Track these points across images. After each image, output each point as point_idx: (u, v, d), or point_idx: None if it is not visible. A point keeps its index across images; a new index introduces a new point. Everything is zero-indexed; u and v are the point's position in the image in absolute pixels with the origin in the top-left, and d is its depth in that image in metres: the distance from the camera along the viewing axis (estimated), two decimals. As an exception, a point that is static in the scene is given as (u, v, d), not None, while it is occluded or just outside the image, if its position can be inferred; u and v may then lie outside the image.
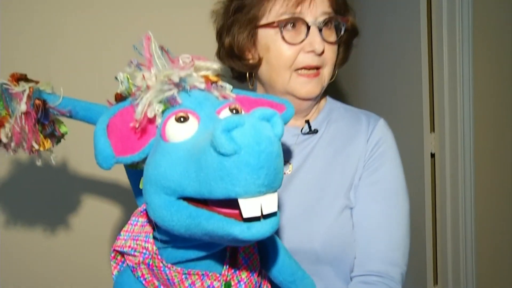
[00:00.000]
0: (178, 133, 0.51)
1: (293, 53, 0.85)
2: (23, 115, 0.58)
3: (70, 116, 0.63)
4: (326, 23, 0.85)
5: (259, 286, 0.65)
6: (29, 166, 1.26)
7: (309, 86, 0.87)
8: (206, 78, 0.57)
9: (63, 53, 1.33)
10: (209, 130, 0.49)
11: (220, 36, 0.93)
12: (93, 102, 0.65)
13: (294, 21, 0.84)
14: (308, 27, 0.84)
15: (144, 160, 0.55)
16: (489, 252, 2.04)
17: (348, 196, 0.89)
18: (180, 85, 0.54)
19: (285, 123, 0.67)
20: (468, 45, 1.85)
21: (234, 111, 0.55)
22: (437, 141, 2.01)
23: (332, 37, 0.88)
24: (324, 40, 0.85)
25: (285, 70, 0.86)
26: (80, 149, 1.22)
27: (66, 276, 1.36)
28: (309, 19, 0.84)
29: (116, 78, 0.58)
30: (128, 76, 0.56)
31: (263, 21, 0.85)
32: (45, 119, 0.60)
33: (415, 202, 2.09)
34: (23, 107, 0.58)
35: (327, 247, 0.84)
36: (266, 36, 0.86)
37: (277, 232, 0.80)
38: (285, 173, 0.90)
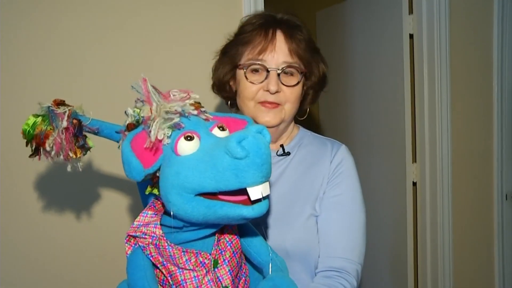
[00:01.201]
0: (188, 147, 0.70)
1: (254, 90, 1.03)
2: (64, 130, 0.77)
3: (97, 133, 0.82)
4: (284, 70, 1.03)
5: (240, 265, 0.82)
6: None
7: (268, 116, 1.04)
8: (196, 105, 0.76)
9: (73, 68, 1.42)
10: (209, 143, 0.70)
11: (213, 72, 1.15)
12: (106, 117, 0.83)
13: (256, 66, 1.03)
14: (268, 72, 1.02)
15: (151, 174, 0.73)
16: (467, 275, 2.15)
17: (314, 206, 1.05)
18: (181, 113, 0.73)
19: None
20: (446, 85, 2.03)
21: (221, 128, 0.75)
22: (418, 170, 2.16)
23: (292, 81, 1.04)
24: (282, 83, 1.03)
25: (249, 101, 1.05)
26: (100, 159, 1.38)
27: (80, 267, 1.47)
28: (269, 65, 1.02)
29: (125, 112, 0.77)
30: (138, 110, 0.74)
31: (240, 62, 1.07)
32: (79, 133, 0.79)
33: (398, 226, 2.23)
34: (64, 123, 0.77)
35: (295, 247, 1.00)
36: (239, 74, 1.07)
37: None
38: None
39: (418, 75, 2.10)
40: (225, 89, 1.12)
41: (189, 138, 0.70)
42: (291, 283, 0.81)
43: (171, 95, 0.75)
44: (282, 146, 1.12)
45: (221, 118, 0.82)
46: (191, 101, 0.75)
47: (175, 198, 0.69)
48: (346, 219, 1.05)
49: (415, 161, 2.17)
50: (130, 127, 0.75)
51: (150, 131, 0.70)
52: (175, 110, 0.72)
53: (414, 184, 2.19)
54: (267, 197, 0.70)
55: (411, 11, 2.10)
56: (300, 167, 1.10)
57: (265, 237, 0.95)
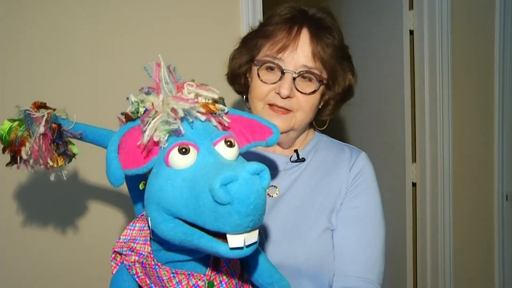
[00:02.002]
0: (180, 162, 0.60)
1: (265, 90, 0.94)
2: (41, 136, 0.70)
3: (81, 138, 0.75)
4: (302, 75, 0.92)
5: (240, 287, 0.74)
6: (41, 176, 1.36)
7: (276, 121, 0.91)
8: (207, 106, 0.65)
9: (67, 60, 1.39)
10: (206, 162, 0.60)
11: (229, 61, 1.05)
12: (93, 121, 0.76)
13: (271, 65, 0.93)
14: (283, 73, 0.92)
15: (146, 173, 0.65)
16: (467, 278, 2.12)
17: (329, 219, 0.95)
18: (183, 117, 0.62)
19: (271, 145, 0.76)
20: (447, 83, 1.98)
21: (228, 143, 0.63)
22: (418, 171, 2.11)
23: (308, 88, 0.93)
24: (296, 88, 0.92)
25: (258, 101, 0.95)
26: (87, 163, 1.32)
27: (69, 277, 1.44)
28: (287, 66, 0.92)
29: (127, 98, 0.66)
30: (139, 101, 0.64)
31: (256, 57, 0.97)
32: (59, 139, 0.71)
33: (398, 227, 2.18)
34: (41, 129, 0.69)
35: (308, 264, 0.90)
36: (253, 70, 0.97)
37: (263, 248, 0.89)
38: (272, 196, 0.98)
39: (419, 73, 2.05)
40: (239, 81, 1.02)
41: (183, 151, 0.60)
42: None
43: (186, 88, 0.64)
44: (296, 151, 1.03)
45: (244, 120, 0.72)
46: (206, 101, 0.65)
47: (154, 214, 0.61)
48: (365, 235, 0.96)
49: (415, 161, 2.13)
50: (128, 118, 0.66)
51: (145, 131, 0.61)
52: (178, 113, 0.62)
53: (414, 184, 2.14)
54: (254, 244, 0.60)
55: (411, 7, 2.04)
56: (316, 175, 1.00)
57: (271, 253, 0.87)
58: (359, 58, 2.33)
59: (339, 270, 0.94)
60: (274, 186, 0.99)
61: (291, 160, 1.02)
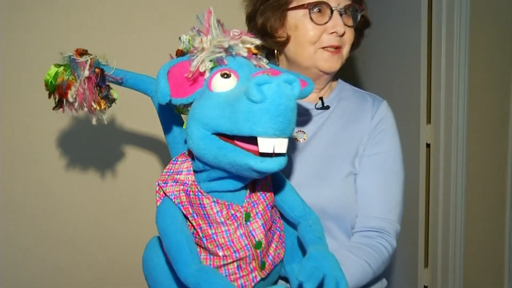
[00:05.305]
0: (221, 85, 0.67)
1: (317, 32, 0.97)
2: (86, 80, 0.74)
3: (121, 83, 0.79)
4: (346, 9, 0.98)
5: (273, 219, 0.80)
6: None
7: (331, 61, 0.99)
8: (249, 49, 0.72)
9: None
10: (245, 86, 0.64)
11: (251, 18, 1.06)
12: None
13: (320, 5, 0.96)
14: (332, 12, 0.96)
15: (188, 106, 0.71)
16: (478, 237, 2.16)
17: (353, 164, 1.01)
18: (228, 50, 0.69)
19: (305, 96, 0.84)
20: (465, 44, 1.97)
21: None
22: (432, 132, 2.13)
23: (350, 22, 1.00)
24: (344, 24, 0.97)
25: (310, 46, 0.98)
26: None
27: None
28: (332, 4, 0.96)
29: (179, 38, 0.73)
30: (190, 38, 0.71)
31: (294, 4, 0.99)
32: (102, 83, 0.75)
33: (410, 188, 2.22)
34: (86, 73, 0.74)
35: (332, 205, 0.96)
36: (296, 17, 0.98)
37: None
38: (300, 141, 1.03)
39: (436, 33, 2.04)
40: (276, 35, 1.02)
41: (225, 76, 0.67)
42: (334, 264, 0.71)
43: (231, 34, 0.71)
44: (321, 98, 1.07)
45: (279, 73, 0.76)
46: (248, 45, 0.71)
47: (193, 131, 0.67)
48: (387, 179, 1.01)
49: (429, 122, 2.14)
50: (179, 53, 0.74)
51: (193, 60, 0.68)
52: (222, 46, 0.68)
53: (428, 145, 2.16)
54: (284, 156, 0.65)
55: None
56: (340, 122, 1.05)
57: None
58: (378, 20, 2.34)
59: (362, 212, 1.00)
60: (302, 131, 1.04)
61: (316, 107, 1.06)
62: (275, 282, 0.86)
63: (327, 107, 1.06)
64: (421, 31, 2.05)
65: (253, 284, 0.75)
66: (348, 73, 2.60)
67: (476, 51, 2.02)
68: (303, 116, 1.06)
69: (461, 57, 1.98)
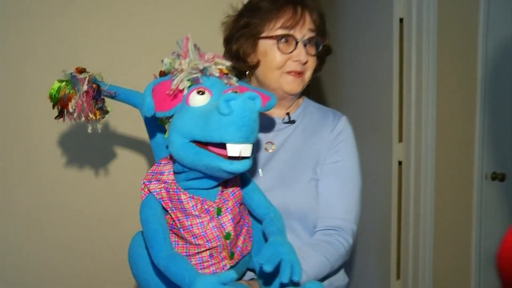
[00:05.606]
0: (197, 101, 0.81)
1: (283, 59, 1.11)
2: (84, 93, 0.87)
3: (114, 97, 0.92)
4: (309, 40, 1.11)
5: (241, 215, 0.94)
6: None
7: (294, 84, 1.12)
8: (221, 70, 0.87)
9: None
10: (216, 102, 0.78)
11: (228, 41, 1.20)
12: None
13: (287, 37, 1.10)
14: (297, 43, 1.10)
15: (170, 118, 0.85)
16: (446, 250, 2.26)
17: (315, 170, 1.14)
18: (203, 71, 0.84)
19: (269, 108, 0.99)
20: (434, 66, 2.12)
21: (235, 93, 0.83)
22: (404, 150, 2.25)
23: (313, 51, 1.14)
24: (307, 53, 1.11)
25: (276, 70, 1.12)
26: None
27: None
28: (298, 36, 1.10)
29: (162, 61, 0.88)
30: (171, 61, 0.86)
31: (265, 34, 1.13)
32: (98, 96, 0.88)
33: (383, 204, 2.32)
34: (85, 87, 0.87)
35: (296, 207, 1.09)
36: (266, 45, 1.12)
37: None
38: (269, 151, 1.16)
39: (407, 56, 2.17)
40: (247, 60, 1.15)
41: (201, 93, 0.81)
42: (290, 250, 0.85)
43: (206, 57, 0.86)
44: (288, 114, 1.21)
45: (247, 90, 0.92)
46: (220, 66, 0.86)
47: (174, 139, 0.81)
48: (344, 184, 1.15)
49: (401, 141, 2.25)
50: (161, 73, 0.87)
51: (173, 80, 0.82)
52: (198, 67, 0.82)
53: (400, 163, 2.27)
54: (249, 158, 0.80)
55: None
56: (304, 134, 1.19)
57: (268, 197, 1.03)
58: (349, 40, 2.48)
59: (322, 213, 1.13)
60: (271, 142, 1.18)
61: (284, 121, 1.20)
62: (244, 273, 0.99)
63: (293, 122, 1.20)
64: (393, 53, 2.18)
65: (223, 271, 0.88)
66: (320, 93, 2.73)
67: (443, 75, 2.16)
68: (272, 129, 1.19)
69: (430, 78, 2.12)
